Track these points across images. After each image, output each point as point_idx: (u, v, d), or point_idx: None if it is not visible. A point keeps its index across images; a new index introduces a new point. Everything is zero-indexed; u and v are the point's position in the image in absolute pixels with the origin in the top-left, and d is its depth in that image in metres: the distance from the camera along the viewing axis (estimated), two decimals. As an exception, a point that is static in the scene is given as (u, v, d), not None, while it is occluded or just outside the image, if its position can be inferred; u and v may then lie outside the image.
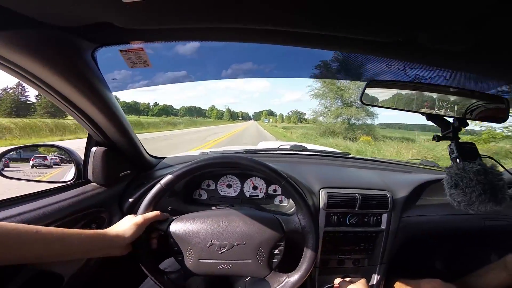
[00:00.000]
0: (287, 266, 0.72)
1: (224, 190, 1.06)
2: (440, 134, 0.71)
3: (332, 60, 0.87)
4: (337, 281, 0.88)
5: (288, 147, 1.39)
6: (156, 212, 0.70)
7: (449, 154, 0.69)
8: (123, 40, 0.63)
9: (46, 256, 0.53)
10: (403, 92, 0.74)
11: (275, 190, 1.05)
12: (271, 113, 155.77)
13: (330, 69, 0.92)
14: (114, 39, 0.62)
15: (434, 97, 0.71)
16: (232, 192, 1.06)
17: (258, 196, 1.05)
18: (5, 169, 0.79)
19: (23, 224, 0.50)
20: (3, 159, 0.78)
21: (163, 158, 1.18)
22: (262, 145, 2.06)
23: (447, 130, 0.69)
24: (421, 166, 1.35)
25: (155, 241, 0.71)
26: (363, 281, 0.81)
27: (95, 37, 0.59)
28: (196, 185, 1.06)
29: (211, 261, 0.67)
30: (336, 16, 0.50)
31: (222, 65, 1.00)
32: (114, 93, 0.77)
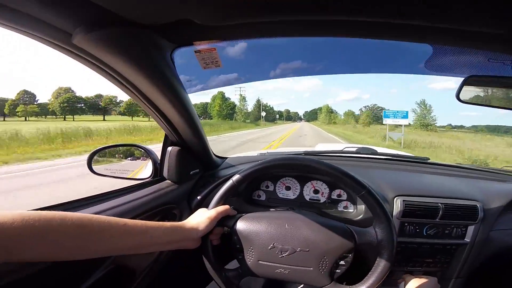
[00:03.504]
0: (345, 277, 0.67)
1: (283, 192, 1.04)
2: None
3: (414, 52, 0.79)
4: (405, 276, 0.81)
5: (353, 149, 1.32)
6: (227, 207, 0.71)
7: None
8: (200, 38, 0.64)
9: (131, 247, 0.55)
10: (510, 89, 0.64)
11: (339, 195, 1.00)
12: (330, 111, 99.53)
13: (412, 63, 0.84)
14: (191, 38, 0.63)
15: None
16: (291, 195, 1.03)
17: (319, 200, 1.01)
18: (95, 166, 0.86)
19: (114, 217, 0.53)
20: (94, 157, 0.86)
21: (226, 158, 1.21)
22: (320, 147, 1.97)
23: None
24: None
25: (218, 236, 0.71)
26: (434, 279, 0.75)
27: (175, 37, 0.60)
28: (255, 186, 1.06)
29: (270, 264, 0.65)
30: (442, 3, 0.44)
31: (276, 65, 0.98)
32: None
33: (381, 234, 0.64)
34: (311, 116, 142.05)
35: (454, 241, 0.90)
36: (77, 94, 78.15)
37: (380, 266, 0.63)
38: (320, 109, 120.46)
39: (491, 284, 1.12)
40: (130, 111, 75.91)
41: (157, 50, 0.60)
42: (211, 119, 72.40)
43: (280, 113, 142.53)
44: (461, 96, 0.64)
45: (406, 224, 0.89)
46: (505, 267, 1.12)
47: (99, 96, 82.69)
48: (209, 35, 0.61)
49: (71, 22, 0.47)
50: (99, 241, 0.49)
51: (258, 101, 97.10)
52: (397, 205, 0.89)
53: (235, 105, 77.66)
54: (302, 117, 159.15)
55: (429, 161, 1.25)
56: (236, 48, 0.80)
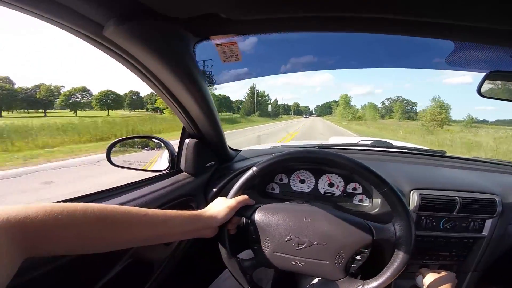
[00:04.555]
0: (362, 271, 0.68)
1: (297, 185, 1.05)
2: None
3: (433, 47, 0.79)
4: (422, 269, 0.81)
5: (369, 143, 1.32)
6: (246, 197, 0.70)
7: None
8: (223, 32, 0.64)
9: (152, 237, 0.55)
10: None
11: (354, 189, 1.00)
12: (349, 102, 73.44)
13: (427, 58, 0.84)
14: (215, 32, 0.63)
15: None
16: (305, 188, 1.04)
17: (334, 193, 1.02)
18: (113, 158, 0.87)
19: (135, 207, 0.53)
20: (113, 149, 0.87)
21: (240, 150, 1.22)
22: (333, 140, 1.95)
23: None
24: None
25: (235, 226, 0.71)
26: (452, 274, 0.75)
27: (199, 30, 0.60)
28: (269, 179, 1.07)
29: (286, 255, 0.65)
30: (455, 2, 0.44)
31: (282, 59, 0.98)
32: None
33: (400, 231, 0.64)
34: (324, 110, 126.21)
35: (471, 234, 0.90)
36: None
37: (396, 261, 0.63)
38: (334, 102, 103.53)
39: (509, 277, 1.12)
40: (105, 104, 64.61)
41: (181, 43, 0.60)
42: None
43: (287, 107, 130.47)
44: (483, 91, 0.64)
45: (422, 217, 0.89)
46: None
47: (38, 87, 67.25)
48: (232, 29, 0.62)
49: (104, 14, 0.48)
50: (121, 232, 0.49)
51: (252, 88, 75.72)
52: (414, 199, 0.89)
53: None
54: (313, 111, 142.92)
55: (445, 154, 1.24)
56: (247, 42, 0.81)
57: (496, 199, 0.89)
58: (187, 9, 0.51)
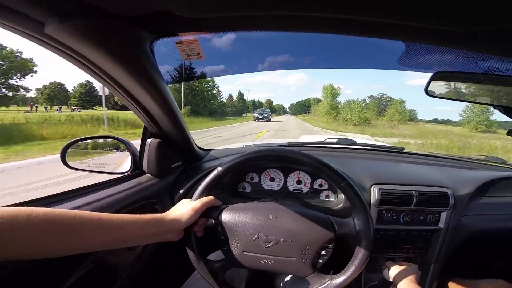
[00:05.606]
0: (330, 266, 0.70)
1: (267, 184, 1.06)
2: None
3: (389, 49, 0.82)
4: (388, 263, 0.85)
5: (334, 140, 1.36)
6: (212, 198, 0.69)
7: None
8: (181, 30, 0.63)
9: (108, 243, 0.53)
10: (474, 84, 0.69)
11: (321, 185, 1.03)
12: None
13: (385, 60, 0.87)
14: (172, 30, 0.62)
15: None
16: (276, 186, 1.05)
17: (302, 190, 1.04)
18: (69, 159, 0.82)
19: (87, 211, 0.51)
20: (68, 150, 0.82)
21: (210, 150, 1.20)
22: (304, 139, 2.02)
23: None
24: (486, 162, 1.28)
25: (202, 228, 0.70)
26: (415, 266, 0.79)
27: (155, 28, 0.59)
28: (240, 178, 1.07)
29: (255, 254, 0.66)
30: (409, 3, 0.46)
31: (261, 57, 0.99)
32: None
33: (359, 225, 0.66)
34: (299, 109, 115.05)
35: (429, 227, 0.95)
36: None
37: (359, 255, 0.65)
38: (309, 100, 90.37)
39: (467, 268, 1.19)
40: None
41: (135, 41, 0.59)
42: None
43: (258, 104, 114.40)
44: (429, 91, 0.68)
45: (383, 211, 0.93)
46: (477, 251, 1.22)
47: None
48: (190, 27, 0.61)
49: (44, 12, 0.45)
50: (71, 238, 0.47)
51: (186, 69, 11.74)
52: (374, 194, 0.93)
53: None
54: (287, 110, 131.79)
55: (404, 150, 1.31)
56: (224, 39, 0.80)
57: (449, 192, 0.95)
58: (136, 8, 0.50)
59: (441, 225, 0.95)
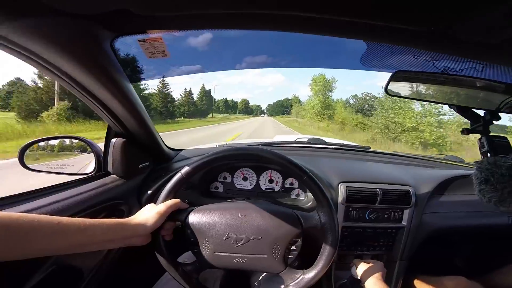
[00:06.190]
0: (303, 262, 0.70)
1: (240, 183, 1.06)
2: (469, 127, 0.68)
3: (354, 50, 0.84)
4: (355, 260, 0.87)
5: (305, 140, 1.39)
6: (177, 200, 0.68)
7: (479, 148, 0.66)
8: (142, 28, 0.61)
9: (69, 247, 0.52)
10: (431, 83, 0.71)
11: (291, 184, 1.04)
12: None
13: (351, 60, 0.89)
14: (132, 28, 0.61)
15: (464, 89, 0.68)
16: (248, 185, 1.06)
17: (274, 189, 1.05)
18: (28, 161, 0.78)
19: (45, 215, 0.49)
20: (27, 152, 0.78)
21: (181, 150, 1.19)
22: (278, 138, 2.05)
23: (477, 124, 0.67)
24: (445, 161, 1.33)
25: (170, 231, 0.69)
26: (380, 263, 0.81)
27: (114, 26, 0.57)
28: (212, 177, 1.06)
29: (227, 254, 0.66)
30: (366, 1, 0.47)
31: (236, 56, 0.98)
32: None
33: (324, 217, 0.68)
34: (276, 109, 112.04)
35: (393, 224, 0.98)
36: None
37: (326, 249, 0.66)
38: (287, 100, 78.39)
39: (431, 265, 1.23)
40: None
41: (92, 39, 0.57)
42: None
43: (232, 104, 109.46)
44: (389, 90, 0.70)
45: (350, 209, 0.95)
46: (439, 248, 1.26)
47: None
48: (152, 25, 0.60)
49: None
50: (29, 242, 0.45)
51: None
52: (341, 191, 0.95)
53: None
54: (265, 110, 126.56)
55: (370, 149, 1.35)
56: (200, 38, 0.79)
57: (410, 190, 0.98)
58: (92, 6, 0.48)
59: (404, 222, 0.98)
